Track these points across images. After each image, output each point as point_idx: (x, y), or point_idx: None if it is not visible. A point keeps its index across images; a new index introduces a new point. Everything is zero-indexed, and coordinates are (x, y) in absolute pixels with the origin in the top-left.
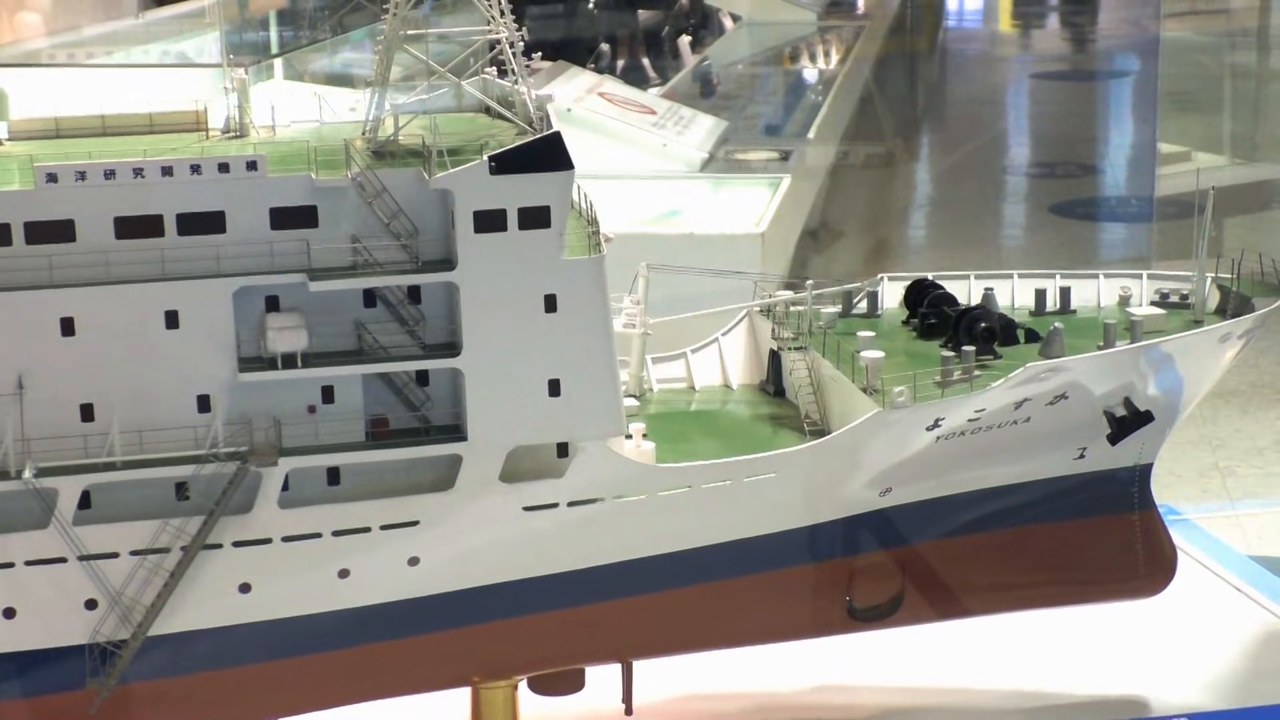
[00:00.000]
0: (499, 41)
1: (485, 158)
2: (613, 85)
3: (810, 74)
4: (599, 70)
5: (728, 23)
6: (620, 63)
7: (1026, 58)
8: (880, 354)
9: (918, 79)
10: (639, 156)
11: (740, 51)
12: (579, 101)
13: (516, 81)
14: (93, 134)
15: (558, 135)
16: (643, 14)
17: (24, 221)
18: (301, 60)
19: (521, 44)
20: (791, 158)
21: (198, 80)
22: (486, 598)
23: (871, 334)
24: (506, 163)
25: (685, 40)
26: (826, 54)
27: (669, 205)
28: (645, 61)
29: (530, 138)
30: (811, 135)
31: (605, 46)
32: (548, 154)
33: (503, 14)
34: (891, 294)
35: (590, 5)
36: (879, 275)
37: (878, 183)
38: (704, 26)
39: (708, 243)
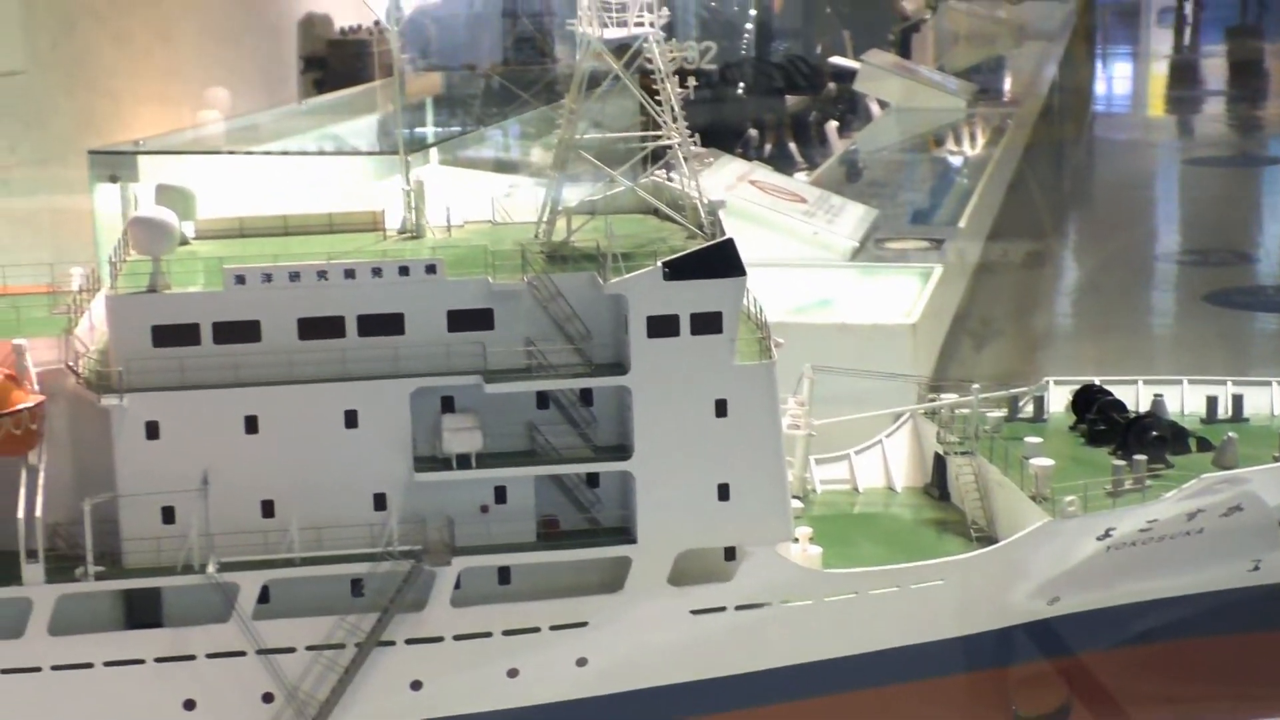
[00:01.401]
0: (670, 146)
1: (659, 263)
2: (763, 173)
3: (959, 162)
4: (746, 155)
5: (875, 109)
6: (767, 147)
7: (1178, 143)
8: (1050, 461)
9: (1066, 165)
10: (789, 244)
11: (888, 138)
12: (731, 189)
13: (688, 186)
14: (274, 233)
15: (730, 242)
16: (790, 99)
17: (213, 322)
18: (457, 144)
19: (693, 148)
20: (943, 247)
21: (364, 167)
22: (653, 699)
23: (1039, 440)
24: (680, 269)
25: (832, 126)
26: (974, 141)
27: (820, 294)
28: (792, 147)
29: (702, 243)
30: (962, 224)
31: (753, 132)
32: (721, 260)
33: (675, 119)
34: (1057, 397)
35: (739, 90)
36: (1044, 379)
37: (1026, 271)
38: (851, 112)
39: (859, 333)
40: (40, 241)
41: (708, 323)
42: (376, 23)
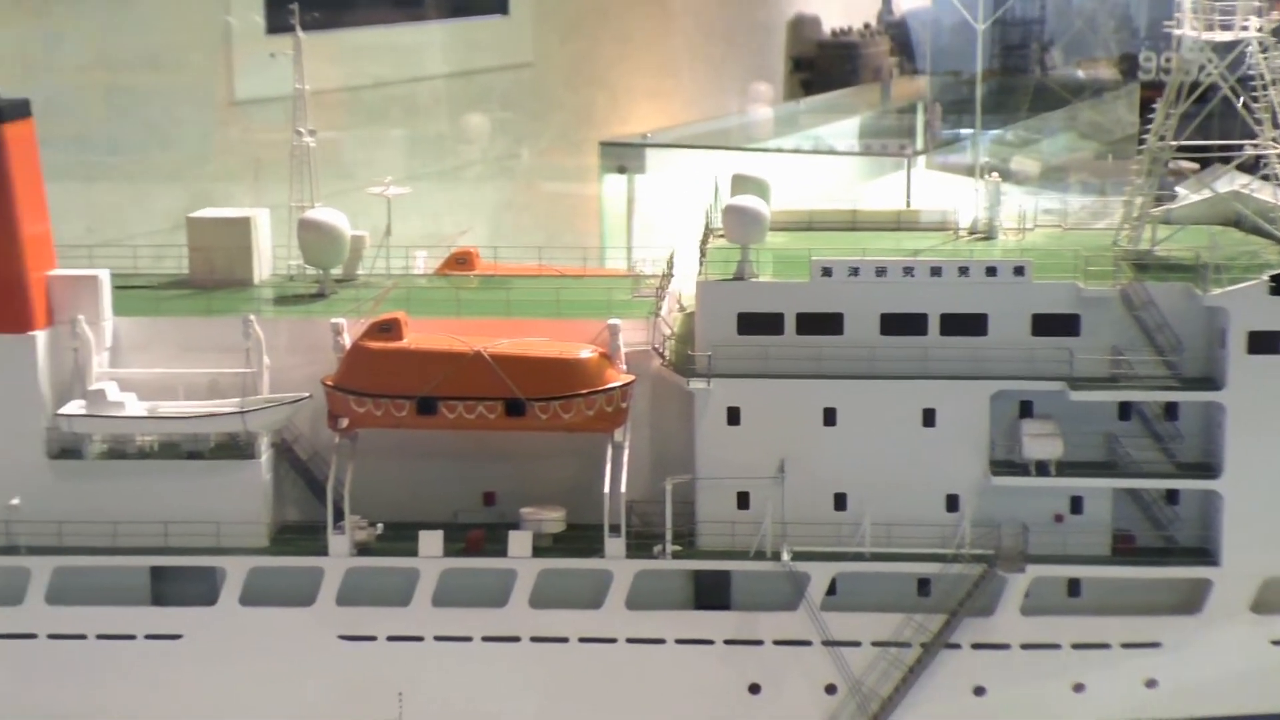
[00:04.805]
0: (1265, 155)
1: (1266, 277)
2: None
3: None
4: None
5: None
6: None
7: None
8: None
9: None
10: None
11: None
12: None
13: None
14: (843, 228)
15: None
16: None
17: (797, 312)
18: (941, 150)
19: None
20: None
21: (852, 168)
22: None
23: None
24: None
25: None
26: None
27: None
28: None
29: None
30: None
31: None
32: None
33: (1276, 125)
34: None
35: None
36: None
37: None
38: None
39: None
40: (542, 226)
41: None
42: (866, 25)
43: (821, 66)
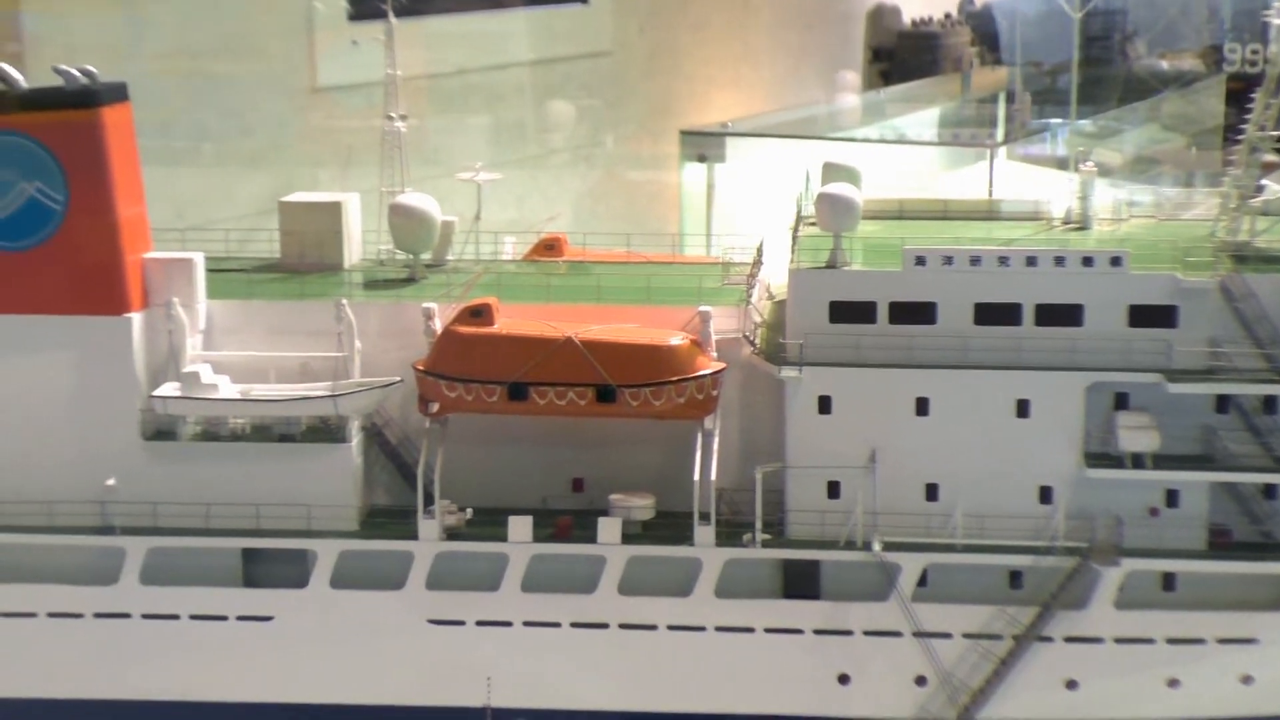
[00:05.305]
0: None
1: None
2: None
3: None
4: None
5: None
6: None
7: None
8: None
9: None
10: None
11: None
12: None
13: None
14: (934, 217)
15: None
16: None
17: (889, 301)
18: (1022, 141)
19: None
20: None
21: (932, 157)
22: None
23: None
24: None
25: None
26: None
27: None
28: None
29: None
30: None
31: None
32: None
33: None
34: None
35: None
36: None
37: None
38: None
39: None
40: (623, 214)
41: None
42: (947, 15)
43: (901, 56)
